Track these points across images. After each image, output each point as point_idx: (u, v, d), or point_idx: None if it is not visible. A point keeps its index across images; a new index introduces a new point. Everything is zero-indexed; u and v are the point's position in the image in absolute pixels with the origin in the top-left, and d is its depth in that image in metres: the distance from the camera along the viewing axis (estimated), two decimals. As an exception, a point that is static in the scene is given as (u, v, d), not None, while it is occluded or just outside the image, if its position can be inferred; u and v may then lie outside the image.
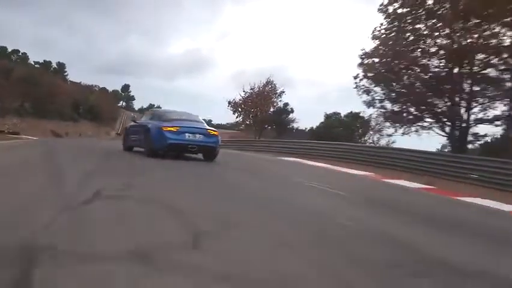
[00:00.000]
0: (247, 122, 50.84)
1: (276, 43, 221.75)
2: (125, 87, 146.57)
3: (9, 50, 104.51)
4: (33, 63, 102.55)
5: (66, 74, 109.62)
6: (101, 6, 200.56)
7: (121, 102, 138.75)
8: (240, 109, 48.81)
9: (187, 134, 11.79)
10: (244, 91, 48.66)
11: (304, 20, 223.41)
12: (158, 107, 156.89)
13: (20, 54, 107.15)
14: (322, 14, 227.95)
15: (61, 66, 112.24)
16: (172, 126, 11.83)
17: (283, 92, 50.23)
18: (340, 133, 45.36)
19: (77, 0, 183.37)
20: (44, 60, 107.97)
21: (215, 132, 12.45)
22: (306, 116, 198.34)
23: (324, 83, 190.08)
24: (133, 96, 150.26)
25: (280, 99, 50.49)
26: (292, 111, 53.93)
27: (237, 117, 49.95)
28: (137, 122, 14.55)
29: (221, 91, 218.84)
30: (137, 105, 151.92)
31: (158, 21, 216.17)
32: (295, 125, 54.32)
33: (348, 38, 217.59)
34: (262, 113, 48.60)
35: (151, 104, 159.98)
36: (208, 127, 12.75)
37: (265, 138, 44.95)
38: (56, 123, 67.59)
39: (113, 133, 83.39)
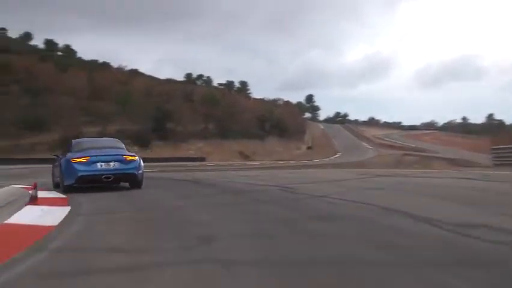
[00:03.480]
0: None
1: (461, 32, 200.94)
2: (309, 98, 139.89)
3: (194, 75, 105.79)
4: (217, 85, 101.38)
5: (249, 92, 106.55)
6: (280, 27, 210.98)
7: (306, 113, 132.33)
8: None
9: (99, 164, 10.63)
10: None
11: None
12: (345, 115, 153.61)
13: (204, 78, 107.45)
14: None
15: (244, 84, 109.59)
16: (82, 157, 10.64)
17: None
18: None
19: (257, 26, 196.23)
20: (226, 81, 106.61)
21: (133, 158, 11.23)
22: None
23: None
24: (317, 106, 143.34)
25: None
26: None
27: None
28: (58, 156, 12.39)
29: (405, 91, 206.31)
30: (322, 115, 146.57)
31: (335, 32, 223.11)
32: None
33: None
34: None
35: (337, 112, 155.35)
36: (125, 153, 11.48)
37: None
38: (242, 142, 61.99)
39: (303, 147, 77.70)
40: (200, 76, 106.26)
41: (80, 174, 10.37)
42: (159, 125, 52.09)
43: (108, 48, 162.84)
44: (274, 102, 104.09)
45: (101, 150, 11.16)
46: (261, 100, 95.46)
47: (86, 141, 12.66)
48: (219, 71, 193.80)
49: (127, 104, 52.00)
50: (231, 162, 47.43)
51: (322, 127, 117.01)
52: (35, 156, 41.90)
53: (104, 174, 10.58)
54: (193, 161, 46.85)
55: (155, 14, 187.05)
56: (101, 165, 10.62)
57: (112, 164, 10.72)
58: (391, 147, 78.76)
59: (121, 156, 10.99)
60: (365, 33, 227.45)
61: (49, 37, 78.87)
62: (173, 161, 43.05)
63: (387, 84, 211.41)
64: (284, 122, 79.02)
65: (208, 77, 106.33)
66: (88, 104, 53.28)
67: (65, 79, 53.51)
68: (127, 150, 11.90)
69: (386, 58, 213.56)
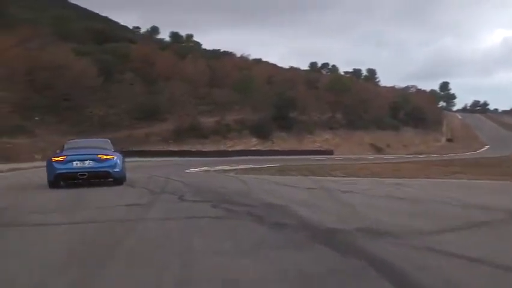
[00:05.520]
0: None
1: None
2: (444, 86, 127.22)
3: (319, 65, 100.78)
4: (343, 73, 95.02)
5: (377, 80, 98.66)
6: (411, 15, 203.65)
7: (440, 103, 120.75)
8: None
9: (75, 162, 11.61)
10: None
11: None
12: (485, 103, 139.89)
13: (330, 67, 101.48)
14: None
15: (371, 72, 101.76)
16: (60, 156, 11.83)
17: None
18: None
19: (386, 16, 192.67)
20: (353, 69, 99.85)
21: (109, 157, 11.97)
22: None
23: None
24: (453, 94, 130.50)
25: None
26: None
27: None
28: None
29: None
30: (459, 103, 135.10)
31: (469, 17, 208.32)
32: None
33: None
34: None
35: (475, 100, 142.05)
36: (101, 152, 12.08)
37: None
38: (374, 133, 55.29)
39: (442, 139, 71.15)
40: (325, 65, 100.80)
41: (57, 171, 11.31)
42: (281, 113, 47.65)
43: (235, 41, 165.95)
44: (405, 90, 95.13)
45: (79, 150, 12.02)
46: (392, 88, 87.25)
47: (75, 142, 13.86)
48: (346, 62, 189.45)
49: (247, 90, 48.29)
50: (363, 156, 42.65)
51: (460, 117, 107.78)
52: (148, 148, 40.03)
53: (79, 172, 11.41)
54: (320, 154, 41.98)
55: (283, 6, 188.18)
56: (77, 164, 11.45)
57: (86, 162, 11.49)
58: (550, 138, 69.86)
59: (95, 156, 11.70)
60: (503, 16, 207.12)
61: (177, 31, 79.08)
62: (297, 155, 38.93)
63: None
64: (420, 111, 70.44)
65: (333, 66, 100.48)
66: (206, 92, 50.63)
67: (183, 67, 51.37)
68: (111, 149, 12.10)
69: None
